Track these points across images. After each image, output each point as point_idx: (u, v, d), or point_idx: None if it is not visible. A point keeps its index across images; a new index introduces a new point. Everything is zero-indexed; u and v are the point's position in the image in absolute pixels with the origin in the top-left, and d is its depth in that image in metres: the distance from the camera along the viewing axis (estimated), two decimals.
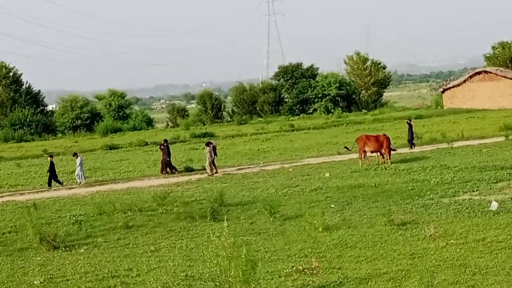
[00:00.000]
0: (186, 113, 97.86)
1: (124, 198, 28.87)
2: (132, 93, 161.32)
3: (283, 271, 15.18)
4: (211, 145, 36.30)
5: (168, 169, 37.36)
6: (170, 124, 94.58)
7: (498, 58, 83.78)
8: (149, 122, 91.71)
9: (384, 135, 35.07)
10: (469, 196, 23.11)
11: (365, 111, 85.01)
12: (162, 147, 38.25)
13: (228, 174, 35.26)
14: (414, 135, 41.59)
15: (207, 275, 13.16)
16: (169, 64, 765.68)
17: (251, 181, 31.60)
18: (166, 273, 15.62)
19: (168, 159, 37.60)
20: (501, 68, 76.59)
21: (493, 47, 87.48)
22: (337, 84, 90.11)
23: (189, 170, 37.91)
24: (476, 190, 24.07)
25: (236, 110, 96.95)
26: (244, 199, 26.31)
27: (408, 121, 42.38)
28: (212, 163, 35.65)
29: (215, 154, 36.21)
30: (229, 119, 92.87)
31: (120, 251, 18.81)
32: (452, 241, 16.77)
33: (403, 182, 27.25)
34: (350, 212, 21.98)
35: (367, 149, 34.24)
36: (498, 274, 13.80)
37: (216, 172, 35.33)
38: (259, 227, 20.70)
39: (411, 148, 39.88)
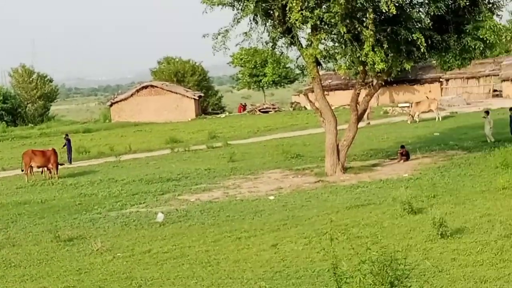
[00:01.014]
0: None
1: None
2: None
3: None
4: None
5: None
6: None
7: (164, 72, 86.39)
8: None
9: (51, 149, 34.41)
10: (136, 208, 23.47)
11: (32, 125, 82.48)
12: None
13: None
14: (73, 150, 41.00)
15: None
16: None
17: None
18: None
19: None
20: (166, 83, 79.14)
21: (159, 62, 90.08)
22: (1, 98, 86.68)
23: None
24: (143, 203, 24.51)
25: None
26: None
27: (66, 136, 41.91)
28: None
29: None
30: None
31: None
32: (119, 254, 16.87)
33: (71, 197, 26.94)
34: (15, 230, 21.22)
35: (33, 164, 33.31)
36: (163, 285, 14.13)
37: None
38: None
39: (70, 163, 39.10)
